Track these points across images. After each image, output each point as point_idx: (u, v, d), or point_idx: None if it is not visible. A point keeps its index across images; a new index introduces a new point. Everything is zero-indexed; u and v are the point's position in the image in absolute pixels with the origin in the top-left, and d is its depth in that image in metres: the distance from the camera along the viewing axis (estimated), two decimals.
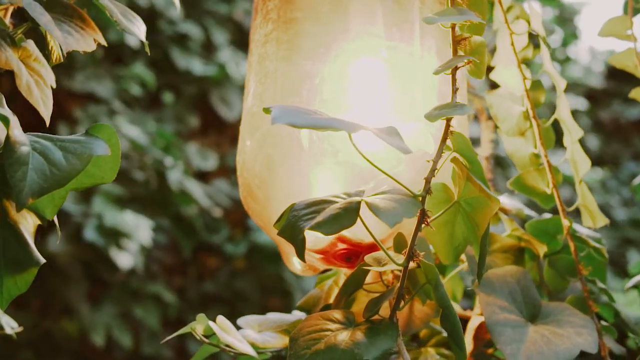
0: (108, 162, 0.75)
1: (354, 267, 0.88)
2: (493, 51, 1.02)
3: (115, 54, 3.27)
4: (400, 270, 0.77)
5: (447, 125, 0.75)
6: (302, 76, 0.87)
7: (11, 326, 1.02)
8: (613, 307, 0.99)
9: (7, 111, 0.87)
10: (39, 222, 0.78)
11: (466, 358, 0.76)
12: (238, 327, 0.93)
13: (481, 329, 0.98)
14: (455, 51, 0.79)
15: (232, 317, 0.94)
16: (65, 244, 2.58)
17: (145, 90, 3.34)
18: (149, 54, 0.86)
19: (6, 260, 0.73)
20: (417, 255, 0.73)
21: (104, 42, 0.84)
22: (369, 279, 0.88)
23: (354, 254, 0.89)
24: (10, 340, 2.64)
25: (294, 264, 0.93)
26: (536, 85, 0.95)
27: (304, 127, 0.67)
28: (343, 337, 0.72)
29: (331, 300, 0.96)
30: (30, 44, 0.87)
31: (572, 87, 5.08)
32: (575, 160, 0.94)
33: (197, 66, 3.54)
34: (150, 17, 3.55)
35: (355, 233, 0.87)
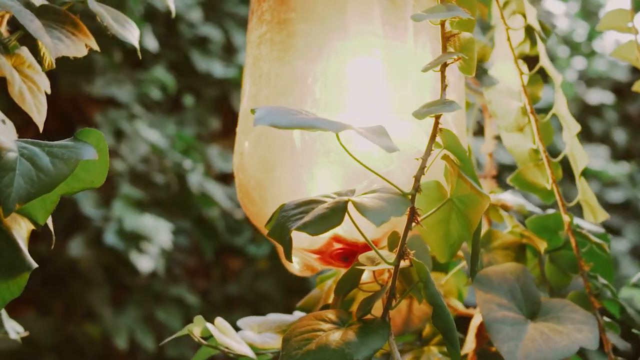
0: (97, 166, 0.75)
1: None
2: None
3: (135, 58, 3.29)
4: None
5: (436, 123, 0.75)
6: (295, 76, 0.87)
7: (17, 331, 1.02)
8: (619, 303, 0.98)
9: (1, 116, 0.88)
10: (32, 227, 0.79)
11: (460, 357, 0.75)
12: (238, 329, 0.93)
13: (484, 326, 0.97)
14: (444, 48, 0.78)
15: None
16: (86, 248, 2.60)
17: (166, 93, 3.36)
18: (140, 58, 0.86)
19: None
20: (407, 254, 0.73)
21: (96, 47, 0.84)
22: (368, 278, 0.88)
23: (351, 254, 0.89)
24: (34, 344, 2.67)
25: (292, 264, 0.93)
26: (534, 80, 0.94)
27: (287, 128, 0.67)
28: (335, 337, 0.72)
29: (330, 301, 0.96)
30: (24, 51, 0.87)
31: (598, 81, 5.03)
32: (574, 155, 0.93)
33: (217, 68, 3.55)
34: (170, 20, 3.57)
35: (351, 233, 0.87)
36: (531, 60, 0.98)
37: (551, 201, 0.98)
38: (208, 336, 0.89)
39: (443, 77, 0.77)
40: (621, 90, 4.84)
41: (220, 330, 0.88)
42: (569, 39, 5.30)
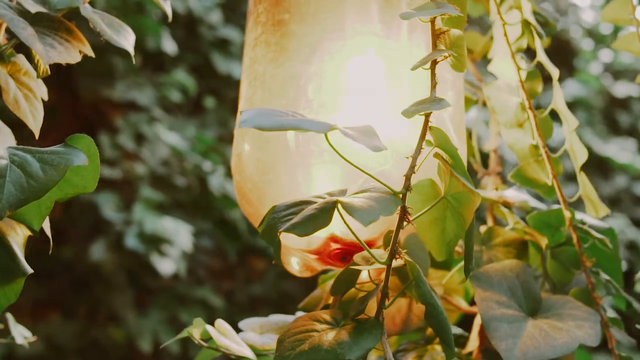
0: (89, 172, 0.76)
1: None
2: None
3: (155, 61, 3.31)
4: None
5: (426, 121, 0.75)
6: (289, 78, 0.87)
7: (24, 336, 1.03)
8: (624, 298, 0.97)
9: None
10: (29, 233, 0.79)
11: (454, 355, 0.75)
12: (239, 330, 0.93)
13: None
14: (434, 45, 0.78)
15: None
16: (108, 252, 2.62)
17: (186, 96, 3.37)
18: (134, 63, 0.86)
19: None
20: (399, 253, 0.73)
21: (91, 53, 0.85)
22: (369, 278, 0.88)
23: (349, 254, 0.89)
24: (59, 348, 2.69)
25: (292, 264, 0.93)
26: (532, 75, 0.94)
27: (272, 130, 0.67)
28: (328, 337, 0.72)
29: (331, 301, 0.96)
30: (20, 58, 0.88)
31: (625, 73, 4.98)
32: (574, 150, 0.92)
33: (238, 70, 3.56)
34: (190, 23, 3.59)
35: (348, 233, 0.87)
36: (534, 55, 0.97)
37: (553, 197, 0.97)
38: (209, 338, 0.89)
39: (433, 75, 0.76)
40: None
41: (220, 332, 0.89)
42: (594, 31, 5.25)
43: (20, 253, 0.77)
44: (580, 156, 0.91)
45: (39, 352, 2.61)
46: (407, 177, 0.73)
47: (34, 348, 2.54)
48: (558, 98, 0.91)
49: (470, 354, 0.99)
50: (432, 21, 0.78)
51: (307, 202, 0.73)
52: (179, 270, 2.71)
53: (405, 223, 0.72)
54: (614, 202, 4.30)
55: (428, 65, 0.76)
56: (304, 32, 0.88)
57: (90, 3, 0.86)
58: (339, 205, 0.70)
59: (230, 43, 3.69)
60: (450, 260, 0.97)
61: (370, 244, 0.91)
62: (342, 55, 0.89)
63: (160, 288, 2.88)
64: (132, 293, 2.83)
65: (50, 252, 0.83)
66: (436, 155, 0.76)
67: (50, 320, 2.73)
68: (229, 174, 3.17)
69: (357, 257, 0.79)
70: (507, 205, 0.99)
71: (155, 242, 2.60)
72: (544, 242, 0.93)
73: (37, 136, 0.84)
